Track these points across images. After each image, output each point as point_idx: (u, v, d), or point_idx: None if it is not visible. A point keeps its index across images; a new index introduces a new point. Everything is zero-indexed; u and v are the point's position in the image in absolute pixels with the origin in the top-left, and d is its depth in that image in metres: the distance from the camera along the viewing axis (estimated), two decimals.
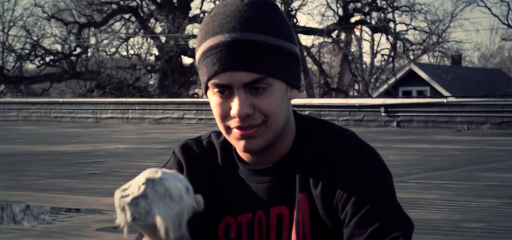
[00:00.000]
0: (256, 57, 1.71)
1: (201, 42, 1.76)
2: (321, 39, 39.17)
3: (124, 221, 1.44)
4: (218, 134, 1.88)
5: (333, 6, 39.18)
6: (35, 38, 39.47)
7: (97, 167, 11.13)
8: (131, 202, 1.43)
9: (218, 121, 1.77)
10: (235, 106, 1.72)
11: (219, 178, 1.86)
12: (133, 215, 1.43)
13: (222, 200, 1.84)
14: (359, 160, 1.75)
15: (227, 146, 1.87)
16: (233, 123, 1.75)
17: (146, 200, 1.43)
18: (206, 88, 1.77)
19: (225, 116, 1.75)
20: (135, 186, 1.45)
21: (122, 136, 19.36)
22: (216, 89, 1.74)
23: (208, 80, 1.74)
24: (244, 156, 1.84)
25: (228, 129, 1.77)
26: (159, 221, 1.42)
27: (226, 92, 1.73)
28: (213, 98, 1.76)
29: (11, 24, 40.82)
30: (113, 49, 39.99)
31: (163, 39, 38.84)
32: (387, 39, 37.65)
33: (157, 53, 39.35)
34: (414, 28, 38.36)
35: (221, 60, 1.71)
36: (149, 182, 1.44)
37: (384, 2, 37.38)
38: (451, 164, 11.54)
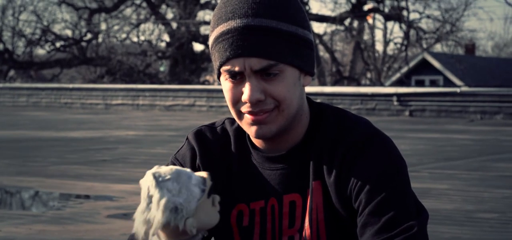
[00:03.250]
0: (267, 43, 1.69)
1: (214, 28, 1.75)
2: (333, 27, 39.06)
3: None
4: (232, 120, 1.87)
5: None
6: (45, 23, 39.50)
7: (107, 154, 11.11)
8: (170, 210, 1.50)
9: (230, 105, 1.76)
10: (246, 91, 1.71)
11: (233, 165, 1.85)
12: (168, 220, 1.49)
13: (235, 187, 1.83)
14: (373, 148, 1.74)
15: (241, 133, 1.85)
16: (245, 108, 1.73)
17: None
18: (219, 74, 1.77)
19: (237, 101, 1.74)
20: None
21: (132, 122, 19.35)
22: (228, 75, 1.72)
23: (220, 66, 1.73)
24: (257, 142, 1.82)
25: (240, 114, 1.75)
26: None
27: (237, 77, 1.72)
28: (225, 83, 1.76)
29: (22, 8, 40.82)
30: (124, 35, 39.97)
31: (174, 25, 38.78)
32: (400, 27, 37.46)
33: (168, 40, 39.29)
34: (428, 17, 38.19)
35: (232, 46, 1.70)
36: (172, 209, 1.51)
37: None
38: (464, 154, 11.47)
